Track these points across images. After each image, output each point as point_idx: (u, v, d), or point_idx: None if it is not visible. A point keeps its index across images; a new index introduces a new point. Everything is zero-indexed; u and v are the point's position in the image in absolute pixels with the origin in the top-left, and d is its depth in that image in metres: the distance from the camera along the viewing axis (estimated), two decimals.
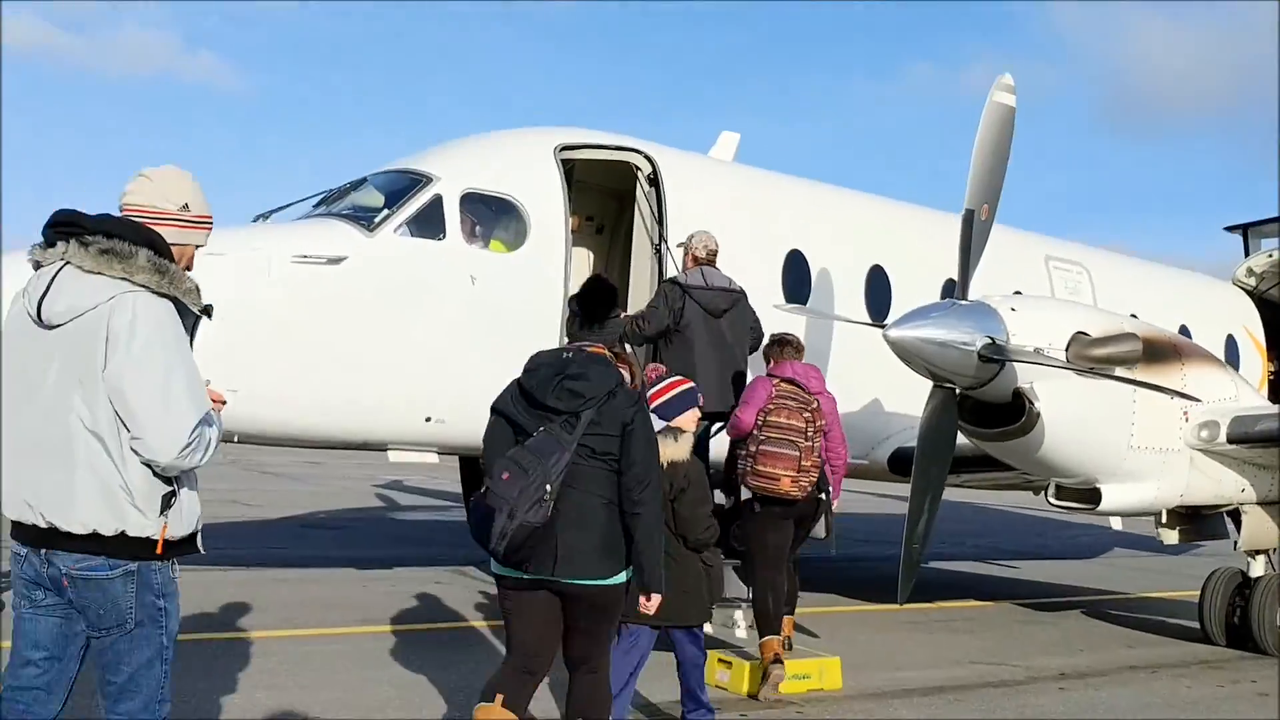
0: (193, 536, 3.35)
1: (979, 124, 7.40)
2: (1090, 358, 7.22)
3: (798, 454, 6.78)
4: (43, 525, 3.22)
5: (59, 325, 3.24)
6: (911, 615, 9.94)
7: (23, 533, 3.28)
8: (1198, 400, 8.00)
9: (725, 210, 9.16)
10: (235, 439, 7.11)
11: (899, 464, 9.74)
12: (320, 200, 8.25)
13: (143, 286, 3.23)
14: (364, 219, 7.80)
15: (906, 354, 7.20)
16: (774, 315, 8.92)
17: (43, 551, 3.25)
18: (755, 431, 6.88)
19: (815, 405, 6.96)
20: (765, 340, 7.59)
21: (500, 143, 8.85)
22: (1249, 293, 13.62)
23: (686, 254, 8.10)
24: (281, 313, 7.13)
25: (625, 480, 4.29)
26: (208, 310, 3.38)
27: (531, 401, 4.35)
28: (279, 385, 7.03)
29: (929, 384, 7.80)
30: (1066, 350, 7.38)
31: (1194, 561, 15.31)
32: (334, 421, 7.52)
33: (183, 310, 3.30)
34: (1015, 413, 7.50)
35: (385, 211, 7.85)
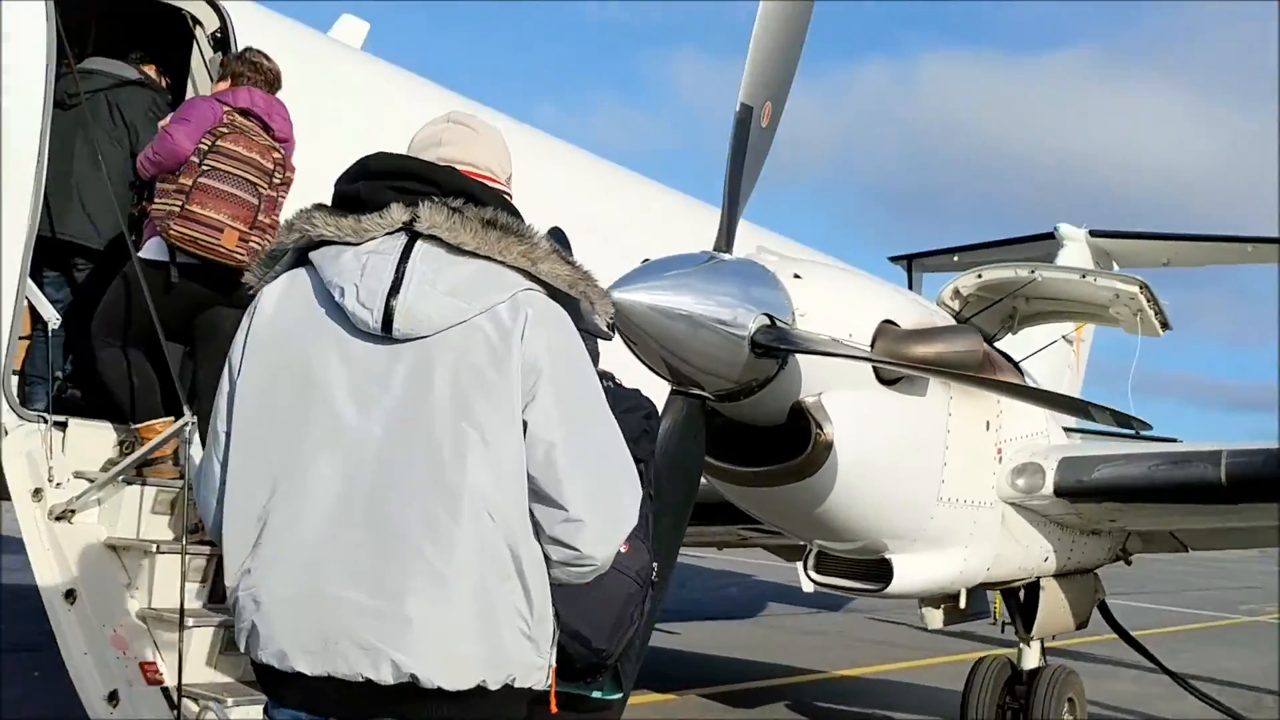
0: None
1: None
2: (913, 359, 4.58)
3: (256, 202, 4.70)
4: (386, 680, 1.92)
5: (420, 337, 2.01)
6: None
7: (327, 695, 1.96)
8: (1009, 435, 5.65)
9: (350, 110, 5.86)
10: None
11: None
12: None
13: (543, 285, 2.10)
14: None
15: (638, 334, 4.24)
16: None
17: None
18: (195, 159, 4.64)
19: (284, 154, 4.91)
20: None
21: None
22: (955, 317, 12.00)
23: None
24: None
25: None
26: (610, 332, 2.32)
27: None
28: None
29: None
30: (872, 346, 4.73)
31: (867, 626, 13.51)
32: None
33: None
34: (791, 441, 4.74)
35: None
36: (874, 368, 4.74)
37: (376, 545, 1.96)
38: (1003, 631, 7.06)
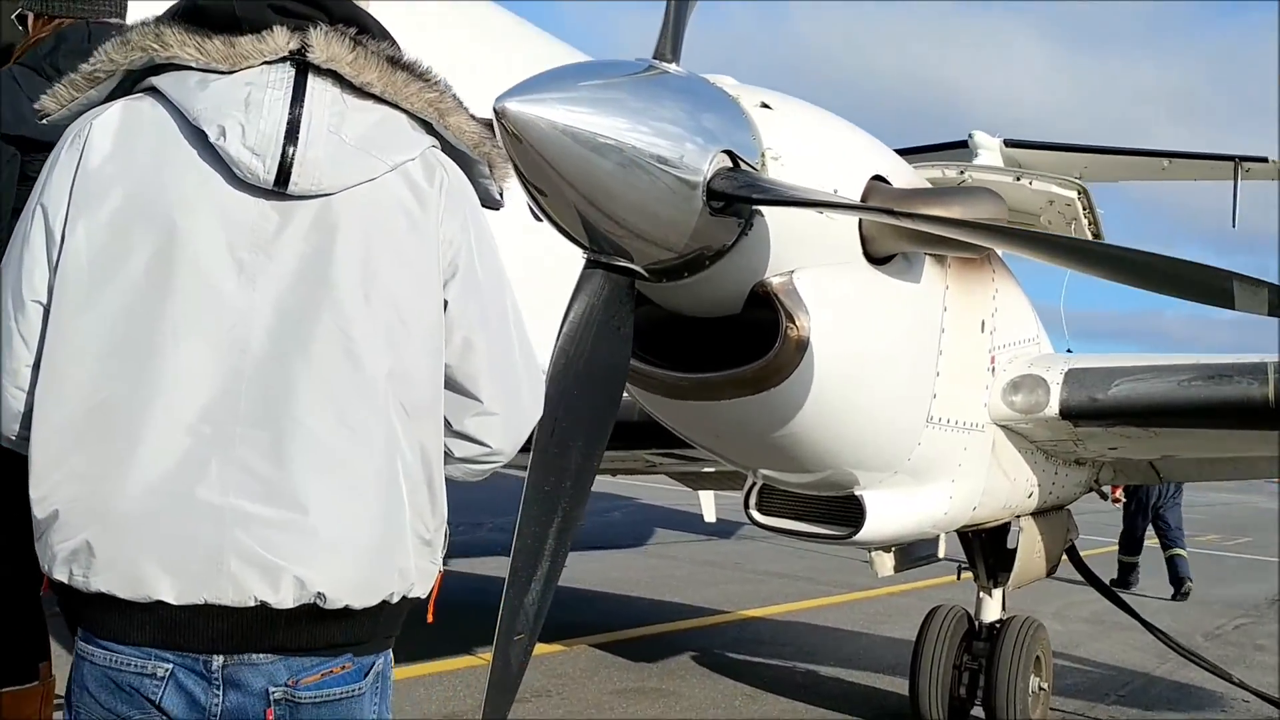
0: None
1: None
2: (927, 219, 3.27)
3: None
4: (285, 603, 1.62)
5: (319, 195, 1.69)
6: None
7: (197, 627, 1.63)
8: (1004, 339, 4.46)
9: None
10: None
11: None
12: None
13: (449, 145, 1.83)
14: None
15: (541, 170, 2.84)
16: None
17: (223, 661, 1.64)
18: None
19: None
20: None
21: None
22: None
23: None
24: None
25: None
26: (502, 202, 1.94)
27: None
28: None
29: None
30: (863, 204, 3.44)
31: (766, 555, 12.50)
32: None
33: None
34: (747, 338, 3.45)
35: None
36: (862, 239, 3.46)
37: (270, 443, 1.62)
38: (959, 578, 5.99)
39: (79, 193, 1.67)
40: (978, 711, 5.67)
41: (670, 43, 3.11)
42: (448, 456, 1.83)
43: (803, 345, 3.36)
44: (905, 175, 3.75)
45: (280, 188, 1.66)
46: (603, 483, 17.47)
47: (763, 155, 3.19)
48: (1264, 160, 12.00)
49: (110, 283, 1.64)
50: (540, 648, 7.02)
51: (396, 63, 1.76)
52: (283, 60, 1.70)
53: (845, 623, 8.60)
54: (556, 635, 7.27)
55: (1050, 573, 5.76)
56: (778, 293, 3.33)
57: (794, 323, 3.33)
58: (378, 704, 1.78)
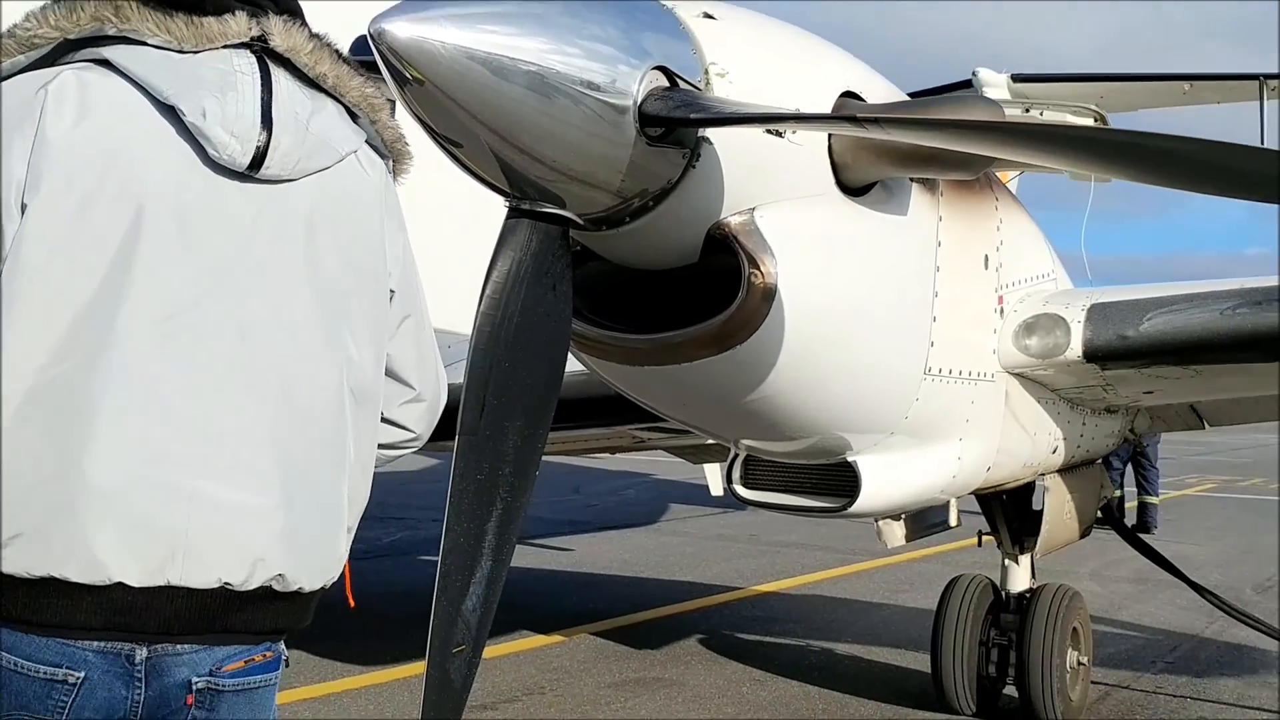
0: None
1: None
2: (902, 124, 2.77)
3: None
4: (248, 584, 1.64)
5: (283, 181, 1.73)
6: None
7: (155, 609, 1.60)
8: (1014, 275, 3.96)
9: None
10: None
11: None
12: None
13: (370, 137, 1.89)
14: None
15: (442, 102, 2.36)
16: None
17: (147, 654, 1.61)
18: None
19: None
20: None
21: None
22: None
23: None
24: None
25: None
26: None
27: None
28: None
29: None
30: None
31: (779, 525, 12.03)
32: None
33: None
34: (708, 290, 2.98)
35: None
36: (834, 166, 2.97)
37: (236, 428, 1.65)
38: (980, 544, 5.52)
39: (38, 161, 1.61)
40: (1010, 690, 5.22)
41: None
42: None
43: (769, 293, 2.88)
44: (883, 91, 3.26)
45: (252, 171, 1.67)
46: (617, 460, 17.05)
47: (705, 72, 2.71)
48: None
49: (75, 259, 1.60)
50: (538, 640, 6.65)
51: (341, 56, 1.81)
52: (243, 45, 1.71)
53: (864, 594, 8.15)
54: (556, 625, 6.87)
55: (1084, 535, 5.27)
56: (737, 234, 2.85)
57: (758, 268, 2.85)
58: (273, 698, 1.79)
